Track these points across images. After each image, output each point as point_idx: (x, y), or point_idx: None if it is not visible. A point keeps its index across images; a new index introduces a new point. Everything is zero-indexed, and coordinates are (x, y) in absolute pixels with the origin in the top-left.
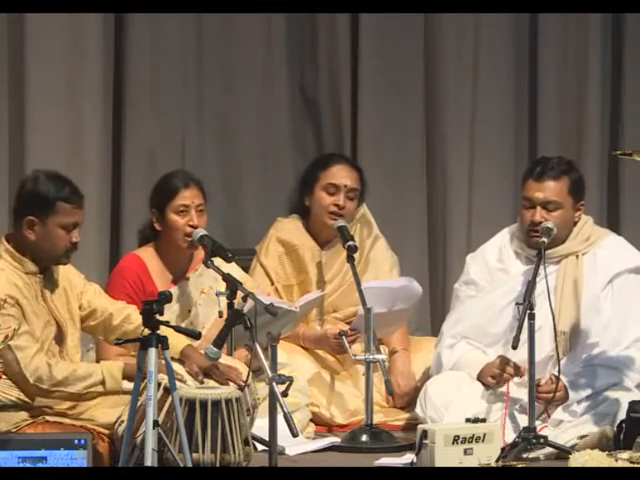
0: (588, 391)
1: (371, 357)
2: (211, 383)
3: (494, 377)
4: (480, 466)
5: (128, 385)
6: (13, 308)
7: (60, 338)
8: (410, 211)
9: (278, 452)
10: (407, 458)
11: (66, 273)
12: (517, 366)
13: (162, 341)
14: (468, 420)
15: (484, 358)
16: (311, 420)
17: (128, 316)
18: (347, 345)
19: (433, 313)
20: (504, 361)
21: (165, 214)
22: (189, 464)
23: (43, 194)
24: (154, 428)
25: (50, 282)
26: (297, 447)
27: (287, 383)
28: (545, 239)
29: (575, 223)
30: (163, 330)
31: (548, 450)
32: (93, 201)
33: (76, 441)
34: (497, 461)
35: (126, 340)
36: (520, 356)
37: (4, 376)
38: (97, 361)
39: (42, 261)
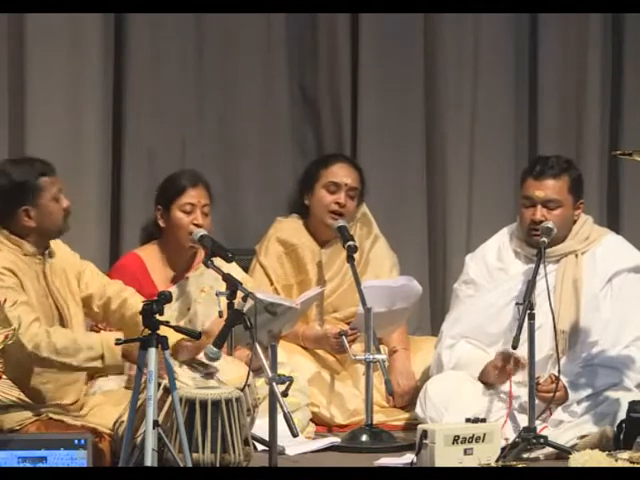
0: (588, 391)
1: (371, 357)
2: (211, 383)
3: (496, 368)
4: (480, 466)
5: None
6: (11, 279)
7: (61, 322)
8: (410, 211)
9: (278, 452)
10: (407, 458)
11: (61, 253)
12: (517, 359)
13: (162, 341)
14: (468, 420)
15: (486, 357)
16: (311, 420)
17: (125, 301)
18: (347, 345)
19: (433, 313)
20: (506, 356)
21: (170, 211)
22: (189, 464)
23: (22, 181)
24: (154, 428)
25: (49, 264)
26: (297, 447)
27: (287, 383)
28: (545, 239)
29: (575, 222)
30: (163, 330)
31: (548, 450)
32: (93, 201)
33: (76, 441)
34: (497, 461)
35: (126, 340)
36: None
37: (4, 376)
38: None
39: (45, 240)
